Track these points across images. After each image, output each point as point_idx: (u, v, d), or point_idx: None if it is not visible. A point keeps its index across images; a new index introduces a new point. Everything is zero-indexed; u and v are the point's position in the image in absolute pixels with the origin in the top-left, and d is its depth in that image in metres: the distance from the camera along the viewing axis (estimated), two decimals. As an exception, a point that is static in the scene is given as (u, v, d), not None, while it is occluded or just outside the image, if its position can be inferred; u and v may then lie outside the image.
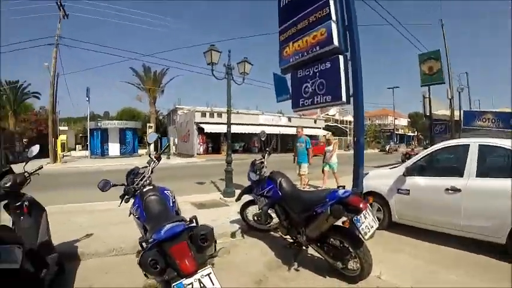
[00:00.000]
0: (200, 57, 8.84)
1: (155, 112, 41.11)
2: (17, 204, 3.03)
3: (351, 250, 3.27)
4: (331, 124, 45.08)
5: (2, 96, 30.49)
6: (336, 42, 4.66)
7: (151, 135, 3.74)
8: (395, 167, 5.54)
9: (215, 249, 2.40)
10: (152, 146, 27.74)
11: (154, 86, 37.99)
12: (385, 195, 5.10)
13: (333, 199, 3.18)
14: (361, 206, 3.09)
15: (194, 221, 2.40)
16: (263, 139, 5.42)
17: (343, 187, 3.48)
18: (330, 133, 8.92)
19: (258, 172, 4.45)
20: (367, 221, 3.19)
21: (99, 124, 29.93)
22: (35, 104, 41.53)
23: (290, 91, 6.00)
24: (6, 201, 3.05)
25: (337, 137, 43.29)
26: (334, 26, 4.68)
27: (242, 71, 8.92)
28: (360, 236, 3.16)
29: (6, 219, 3.06)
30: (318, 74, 5.04)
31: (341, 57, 4.70)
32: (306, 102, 5.34)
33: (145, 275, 2.06)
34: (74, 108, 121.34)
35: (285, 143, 34.80)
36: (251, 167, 4.63)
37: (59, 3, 22.26)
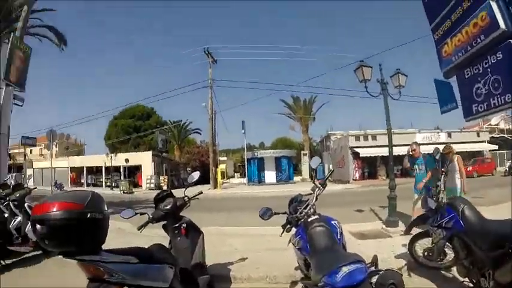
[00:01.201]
0: (348, 77, 8.67)
1: (308, 139, 42.50)
2: (175, 225, 3.29)
3: None
4: (497, 135, 36.49)
5: (168, 133, 39.10)
6: (502, 25, 3.71)
7: (314, 159, 3.67)
8: None
9: None
10: (307, 173, 28.42)
11: (305, 114, 39.41)
12: None
13: None
14: None
15: (375, 263, 2.14)
16: (437, 158, 4.74)
17: None
18: (449, 144, 6.91)
19: (434, 198, 3.89)
20: None
21: (255, 154, 33.07)
22: (197, 139, 50.14)
23: (456, 98, 5.08)
24: (165, 222, 3.35)
25: (506, 151, 34.73)
26: (495, 6, 3.77)
27: (397, 85, 8.31)
28: None
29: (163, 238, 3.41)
30: (489, 69, 4.12)
31: (513, 42, 3.83)
32: (481, 108, 4.34)
33: None
34: (231, 140, 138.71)
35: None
36: (426, 192, 4.04)
37: (206, 51, 27.16)
